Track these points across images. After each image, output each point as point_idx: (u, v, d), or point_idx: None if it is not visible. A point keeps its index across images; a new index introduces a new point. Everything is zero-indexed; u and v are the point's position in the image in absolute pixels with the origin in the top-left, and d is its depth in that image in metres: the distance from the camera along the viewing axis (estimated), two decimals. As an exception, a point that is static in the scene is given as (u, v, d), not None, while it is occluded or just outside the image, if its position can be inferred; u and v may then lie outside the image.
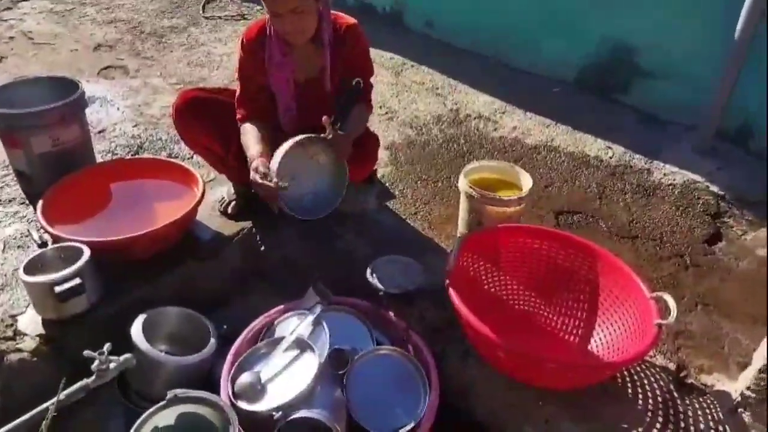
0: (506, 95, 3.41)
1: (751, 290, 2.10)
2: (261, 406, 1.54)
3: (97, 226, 2.06)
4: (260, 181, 1.84)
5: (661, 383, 1.69)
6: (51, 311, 1.76)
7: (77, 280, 1.70)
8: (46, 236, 2.00)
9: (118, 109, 3.15)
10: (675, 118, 3.09)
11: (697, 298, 2.06)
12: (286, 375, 1.63)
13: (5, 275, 1.97)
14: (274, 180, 1.84)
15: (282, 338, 1.72)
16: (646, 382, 1.69)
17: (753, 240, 2.37)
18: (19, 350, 1.70)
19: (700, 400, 1.64)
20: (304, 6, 1.83)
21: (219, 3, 4.75)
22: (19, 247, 2.11)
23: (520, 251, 1.95)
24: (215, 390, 1.57)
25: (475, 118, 3.22)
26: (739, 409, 1.56)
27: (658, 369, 1.74)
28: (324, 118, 1.88)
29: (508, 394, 1.68)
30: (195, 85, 3.32)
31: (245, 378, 1.60)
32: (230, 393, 1.58)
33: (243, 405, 1.54)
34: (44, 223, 1.92)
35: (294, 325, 1.77)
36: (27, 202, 2.35)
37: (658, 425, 1.56)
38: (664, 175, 2.76)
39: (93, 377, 1.51)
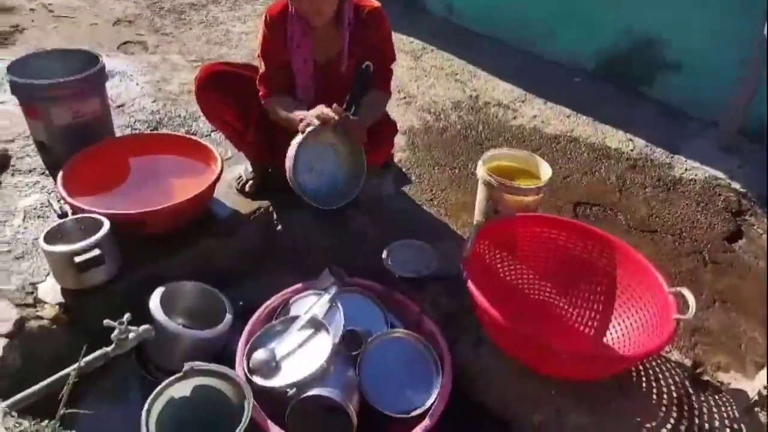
0: (526, 83, 3.38)
1: (770, 289, 2.07)
2: (275, 383, 1.55)
3: (116, 199, 2.07)
4: (326, 111, 1.87)
5: (677, 379, 1.68)
6: (70, 281, 1.77)
7: (97, 251, 1.72)
8: (66, 207, 2.02)
9: (137, 84, 3.15)
10: (697, 112, 3.05)
11: (716, 295, 2.04)
12: (301, 353, 1.64)
13: (26, 244, 1.99)
14: (288, 175, 1.86)
15: (297, 317, 1.73)
16: (661, 377, 1.68)
17: (774, 239, 2.34)
18: (39, 317, 1.72)
19: (716, 397, 1.63)
20: None
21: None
22: (39, 217, 2.13)
23: (537, 241, 1.94)
24: (229, 365, 1.58)
25: (494, 106, 3.19)
26: (756, 408, 1.54)
27: (673, 364, 1.73)
28: (334, 106, 1.88)
29: (520, 384, 1.68)
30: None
31: (260, 354, 1.62)
32: (245, 368, 1.59)
33: (258, 380, 1.56)
34: (64, 194, 1.93)
35: (309, 305, 1.78)
36: (47, 172, 2.36)
37: (672, 421, 1.55)
38: (686, 170, 2.73)
39: (112, 346, 1.52)
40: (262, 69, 2.05)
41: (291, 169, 1.94)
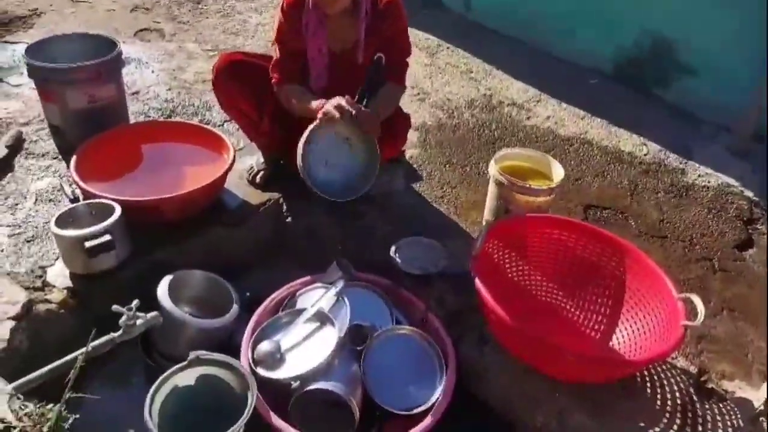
0: (541, 83, 3.36)
1: (780, 299, 2.05)
2: (279, 375, 1.56)
3: (128, 185, 2.08)
4: (344, 104, 1.86)
5: (681, 386, 1.67)
6: (80, 266, 1.78)
7: (107, 237, 1.73)
8: (78, 192, 2.03)
9: (152, 71, 3.16)
10: (712, 117, 3.02)
11: (724, 303, 2.02)
12: (306, 346, 1.64)
13: (36, 227, 2.01)
14: (300, 168, 1.86)
15: (303, 310, 1.73)
16: (665, 383, 1.67)
17: (786, 249, 2.32)
18: (48, 301, 1.73)
19: (720, 405, 1.62)
20: None
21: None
22: (50, 200, 2.14)
23: (547, 242, 1.93)
24: (234, 355, 1.59)
25: (508, 105, 3.17)
26: (761, 418, 1.53)
27: (678, 371, 1.72)
28: (347, 97, 1.88)
29: (524, 384, 1.67)
30: (229, 52, 3.31)
31: (265, 346, 1.62)
32: (250, 359, 1.60)
33: (262, 372, 1.56)
34: (77, 179, 1.94)
35: (316, 298, 1.78)
36: (60, 157, 2.38)
37: (675, 427, 1.54)
38: (699, 176, 2.70)
39: (120, 332, 1.53)
40: (276, 55, 2.05)
41: (302, 157, 1.94)
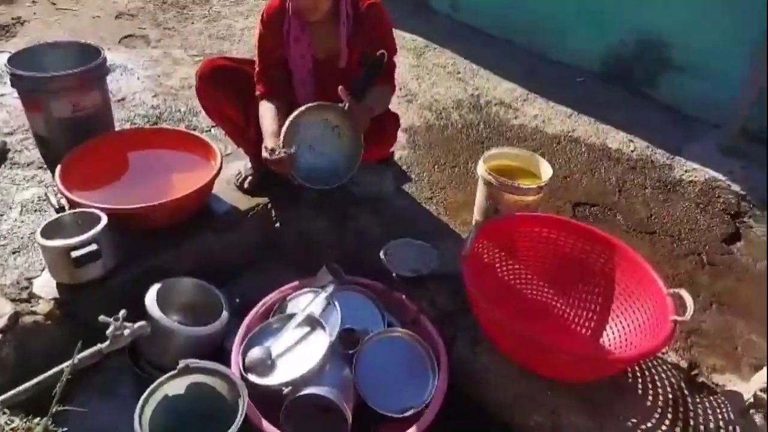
0: (529, 83, 3.37)
1: (768, 292, 2.07)
2: (270, 381, 1.55)
3: (115, 194, 2.06)
4: (270, 157, 1.83)
5: (672, 380, 1.68)
6: (66, 276, 1.77)
7: (94, 246, 1.71)
8: (64, 201, 2.02)
9: (138, 78, 3.14)
10: (700, 114, 3.04)
11: (713, 297, 2.04)
12: (297, 351, 1.63)
13: (22, 238, 1.99)
14: (280, 146, 1.82)
15: (294, 315, 1.72)
16: (657, 378, 1.68)
17: (773, 241, 2.34)
18: (34, 313, 1.71)
19: (711, 399, 1.63)
20: None
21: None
22: (36, 210, 2.12)
23: (537, 241, 1.93)
24: (226, 362, 1.58)
25: (495, 105, 3.18)
26: (751, 411, 1.54)
27: (669, 366, 1.72)
28: (340, 88, 1.85)
29: (518, 384, 1.67)
30: (215, 57, 3.30)
31: (256, 352, 1.61)
32: (241, 366, 1.59)
33: (253, 378, 1.55)
34: (62, 188, 1.92)
35: (306, 303, 1.77)
36: (45, 166, 2.36)
37: (667, 422, 1.55)
38: (686, 171, 2.72)
39: (107, 342, 1.52)
40: (258, 67, 2.04)
41: (285, 135, 1.88)
